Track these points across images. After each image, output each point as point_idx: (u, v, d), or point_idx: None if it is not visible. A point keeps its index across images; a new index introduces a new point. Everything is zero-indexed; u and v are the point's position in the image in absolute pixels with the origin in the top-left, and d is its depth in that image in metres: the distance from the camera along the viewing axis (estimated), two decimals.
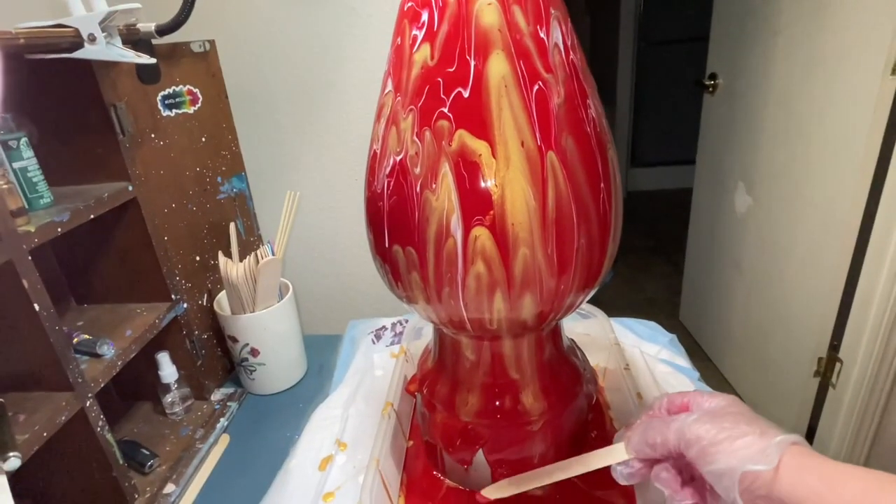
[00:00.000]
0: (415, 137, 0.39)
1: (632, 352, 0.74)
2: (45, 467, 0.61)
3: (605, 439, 0.59)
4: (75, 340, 0.64)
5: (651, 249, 2.63)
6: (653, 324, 0.83)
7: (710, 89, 1.62)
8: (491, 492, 0.42)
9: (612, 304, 2.18)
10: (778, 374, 1.41)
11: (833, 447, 1.26)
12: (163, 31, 0.67)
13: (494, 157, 0.37)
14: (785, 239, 1.31)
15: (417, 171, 0.39)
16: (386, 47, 0.43)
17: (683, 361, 0.74)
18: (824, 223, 1.17)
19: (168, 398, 0.77)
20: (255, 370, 0.82)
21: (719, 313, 1.69)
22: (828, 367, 1.25)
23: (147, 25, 0.66)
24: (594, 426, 0.60)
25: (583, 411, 0.53)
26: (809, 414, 1.34)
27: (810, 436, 1.36)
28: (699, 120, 1.74)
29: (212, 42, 0.79)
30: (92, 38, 0.56)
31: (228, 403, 0.82)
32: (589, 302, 0.62)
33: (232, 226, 0.84)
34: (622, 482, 0.36)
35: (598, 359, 0.68)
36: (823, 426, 1.30)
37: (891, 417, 1.17)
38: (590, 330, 0.71)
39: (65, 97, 0.63)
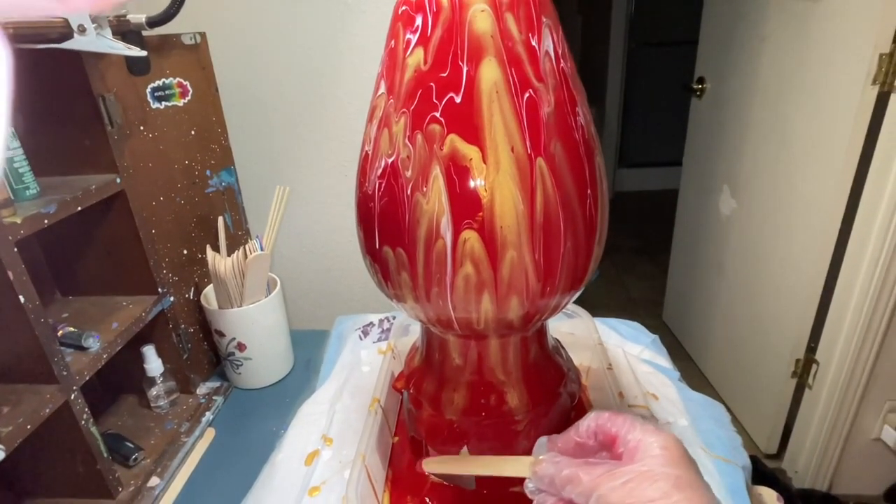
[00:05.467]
0: (406, 141, 0.39)
1: (615, 352, 0.75)
2: (29, 459, 0.61)
3: None
4: (60, 333, 0.63)
5: (637, 250, 2.66)
6: (636, 324, 0.84)
7: (698, 93, 1.64)
8: (430, 465, 0.44)
9: (597, 303, 2.21)
10: (757, 374, 1.44)
11: (808, 446, 1.30)
12: (153, 22, 0.66)
13: (485, 161, 0.37)
14: (766, 242, 1.34)
15: (409, 173, 0.39)
16: (378, 42, 0.44)
17: (665, 362, 0.76)
18: (804, 228, 1.20)
19: (153, 391, 0.77)
20: (241, 364, 0.82)
21: (701, 314, 1.72)
22: (805, 369, 1.28)
23: (137, 17, 0.65)
24: None
25: (566, 410, 0.55)
26: (786, 414, 1.38)
27: (786, 435, 1.39)
28: (687, 122, 1.76)
29: (203, 35, 0.79)
30: (82, 29, 0.56)
31: (214, 397, 0.82)
32: (574, 301, 0.63)
33: (220, 220, 0.84)
34: (528, 496, 0.34)
35: (581, 358, 0.69)
36: (799, 425, 1.33)
37: (863, 418, 1.21)
38: (574, 329, 0.73)
39: (53, 88, 0.62)
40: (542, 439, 0.35)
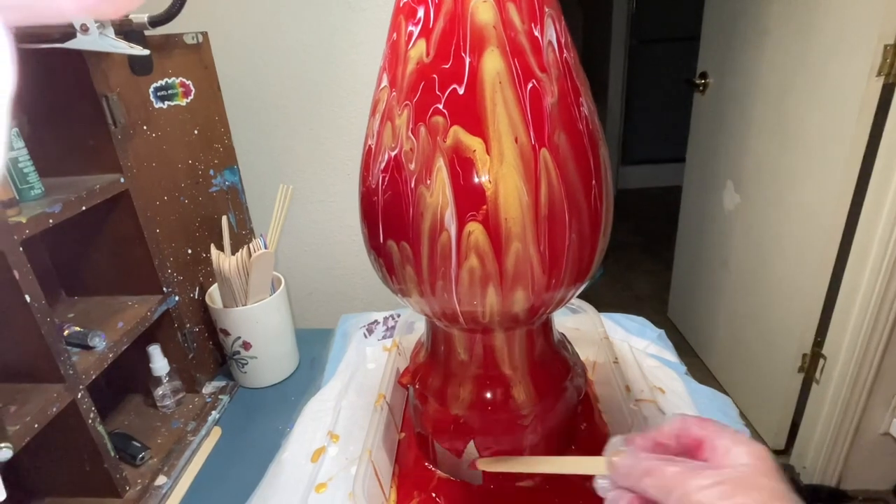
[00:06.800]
0: (410, 133, 0.39)
1: (621, 346, 0.75)
2: (36, 458, 0.61)
3: (594, 431, 0.60)
4: (66, 332, 0.64)
5: (640, 246, 2.65)
6: (641, 319, 0.84)
7: (701, 88, 1.63)
8: (484, 464, 0.45)
9: (602, 300, 2.20)
10: (763, 370, 1.44)
11: (816, 441, 1.29)
12: (156, 22, 0.66)
13: (488, 153, 0.37)
14: (771, 237, 1.33)
15: (412, 166, 0.39)
16: (380, 41, 0.43)
17: (671, 356, 0.76)
18: (810, 221, 1.19)
19: (159, 391, 0.77)
20: (246, 363, 0.82)
21: (707, 310, 1.71)
22: (812, 364, 1.28)
23: (140, 16, 0.66)
24: (583, 418, 0.62)
25: (572, 404, 0.54)
26: (793, 409, 1.37)
27: (793, 431, 1.39)
28: (689, 118, 1.76)
29: (205, 34, 0.79)
30: (84, 29, 0.56)
31: (220, 396, 0.82)
32: (579, 298, 0.63)
33: (224, 219, 0.84)
34: (600, 493, 0.32)
35: (587, 353, 0.69)
36: (807, 421, 1.32)
37: (872, 413, 1.20)
38: (580, 325, 0.72)
39: (56, 88, 0.62)
40: (617, 438, 0.33)
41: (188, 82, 0.77)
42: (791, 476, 1.33)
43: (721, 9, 1.52)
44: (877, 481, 1.28)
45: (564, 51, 0.39)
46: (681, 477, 0.26)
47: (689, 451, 0.30)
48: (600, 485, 0.32)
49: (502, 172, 0.37)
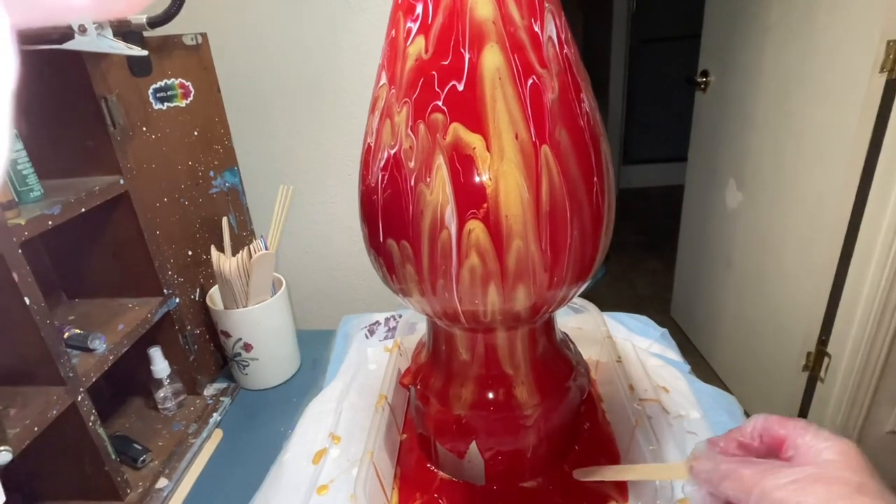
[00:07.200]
0: (409, 131, 0.39)
1: (624, 345, 0.74)
2: (36, 461, 0.61)
3: (598, 431, 0.60)
4: (66, 335, 0.63)
5: (643, 246, 2.64)
6: (644, 318, 0.83)
7: (702, 86, 1.63)
8: (580, 474, 0.46)
9: (604, 300, 2.19)
10: (767, 368, 1.43)
11: None
12: (154, 23, 0.66)
13: (489, 150, 0.37)
14: (775, 235, 1.33)
15: (412, 164, 0.39)
16: (379, 41, 0.43)
17: (674, 355, 0.75)
18: (814, 219, 1.18)
19: (160, 393, 0.77)
20: (248, 365, 0.82)
21: (710, 309, 1.70)
22: (816, 362, 1.27)
23: (138, 17, 0.65)
24: (587, 418, 0.61)
25: (575, 404, 0.54)
26: (798, 408, 1.36)
27: None
28: (691, 117, 1.75)
29: (204, 35, 0.79)
30: (82, 30, 0.56)
31: (221, 398, 0.81)
32: (581, 297, 0.62)
33: (224, 220, 0.84)
34: (689, 498, 0.32)
35: (590, 352, 0.68)
36: (811, 420, 1.30)
37: (877, 411, 1.19)
38: (582, 324, 0.72)
39: (55, 89, 0.62)
40: (701, 441, 0.33)
41: (187, 83, 0.77)
42: None
43: (722, 6, 1.51)
44: (882, 480, 1.27)
45: (565, 46, 0.39)
46: (758, 477, 0.26)
47: (773, 450, 0.30)
48: (689, 490, 0.32)
49: (503, 169, 0.37)
